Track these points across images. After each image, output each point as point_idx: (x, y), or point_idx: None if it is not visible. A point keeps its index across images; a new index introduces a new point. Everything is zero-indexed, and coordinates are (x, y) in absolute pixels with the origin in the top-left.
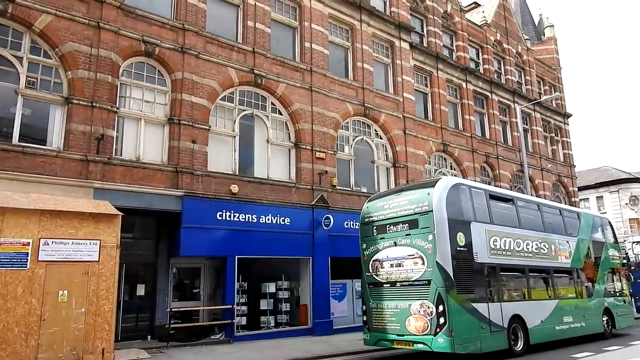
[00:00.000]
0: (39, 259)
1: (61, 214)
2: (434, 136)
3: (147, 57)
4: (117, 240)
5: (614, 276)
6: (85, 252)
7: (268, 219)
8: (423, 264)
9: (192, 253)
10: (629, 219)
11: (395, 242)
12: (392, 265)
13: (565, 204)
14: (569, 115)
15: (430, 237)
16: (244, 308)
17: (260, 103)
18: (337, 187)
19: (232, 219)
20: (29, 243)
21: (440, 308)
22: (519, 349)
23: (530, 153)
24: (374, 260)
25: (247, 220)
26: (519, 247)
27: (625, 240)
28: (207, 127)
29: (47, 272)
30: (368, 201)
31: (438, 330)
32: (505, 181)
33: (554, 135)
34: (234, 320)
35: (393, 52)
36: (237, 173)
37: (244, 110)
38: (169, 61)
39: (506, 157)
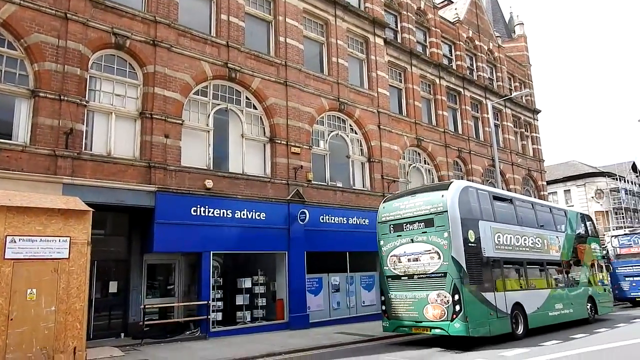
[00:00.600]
0: (5, 257)
1: (28, 211)
2: (408, 131)
3: (118, 50)
4: (87, 236)
5: (596, 267)
6: (55, 249)
7: (243, 214)
8: (439, 258)
9: (166, 249)
10: (595, 211)
11: (412, 239)
12: (409, 260)
13: (535, 197)
14: (538, 111)
15: (446, 234)
16: (220, 304)
17: (234, 97)
18: (313, 182)
19: (206, 214)
20: None
21: (456, 297)
22: (520, 333)
23: (501, 148)
24: (391, 256)
25: (222, 215)
26: (518, 242)
27: (604, 234)
28: (181, 122)
29: (15, 270)
30: (384, 202)
31: (454, 316)
32: (477, 175)
33: (524, 130)
34: (209, 316)
35: (368, 48)
36: (211, 168)
37: (218, 104)
38: (140, 54)
39: (478, 152)
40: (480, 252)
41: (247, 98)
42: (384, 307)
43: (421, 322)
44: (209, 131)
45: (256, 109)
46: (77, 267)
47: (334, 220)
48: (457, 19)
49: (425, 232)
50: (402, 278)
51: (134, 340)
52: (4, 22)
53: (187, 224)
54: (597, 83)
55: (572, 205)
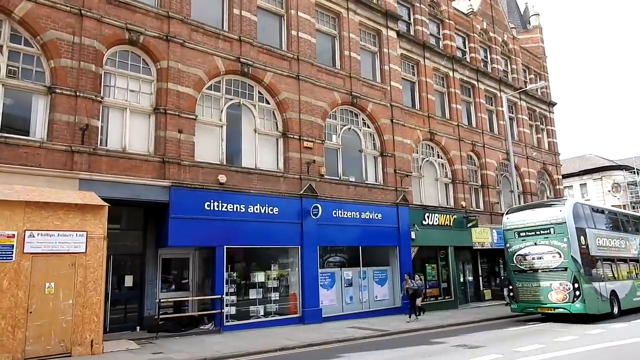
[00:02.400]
0: (25, 251)
1: (46, 206)
2: (421, 125)
3: (132, 46)
4: (104, 231)
5: None
6: (72, 243)
7: (256, 209)
8: (560, 257)
9: (180, 243)
10: (612, 205)
11: (535, 242)
12: (533, 258)
13: (550, 191)
14: (554, 104)
15: (565, 239)
16: (233, 298)
17: (247, 92)
18: (325, 177)
19: (220, 209)
20: (14, 235)
21: (576, 285)
22: (616, 313)
23: (515, 141)
24: (517, 255)
25: (235, 210)
26: (610, 244)
27: None
28: (194, 117)
29: (33, 264)
30: (507, 213)
31: (575, 299)
32: (491, 169)
33: (539, 123)
34: (223, 310)
35: (380, 41)
36: (224, 163)
37: (231, 99)
38: (153, 50)
39: (492, 145)
40: (588, 252)
41: (259, 93)
42: (511, 294)
43: (546, 304)
44: (222, 126)
45: (269, 103)
46: (94, 261)
47: (346, 214)
48: (471, 10)
49: (547, 237)
50: (528, 272)
51: (149, 333)
52: (21, 19)
53: (201, 219)
54: (614, 74)
55: (589, 199)
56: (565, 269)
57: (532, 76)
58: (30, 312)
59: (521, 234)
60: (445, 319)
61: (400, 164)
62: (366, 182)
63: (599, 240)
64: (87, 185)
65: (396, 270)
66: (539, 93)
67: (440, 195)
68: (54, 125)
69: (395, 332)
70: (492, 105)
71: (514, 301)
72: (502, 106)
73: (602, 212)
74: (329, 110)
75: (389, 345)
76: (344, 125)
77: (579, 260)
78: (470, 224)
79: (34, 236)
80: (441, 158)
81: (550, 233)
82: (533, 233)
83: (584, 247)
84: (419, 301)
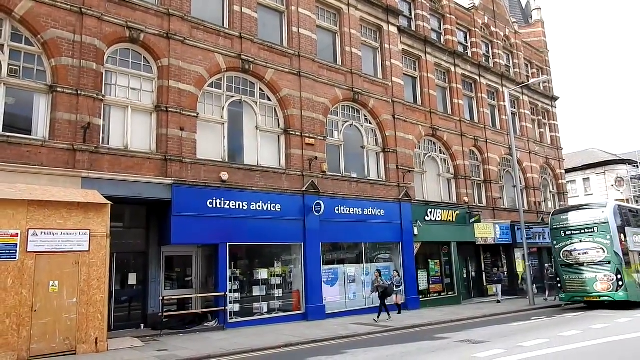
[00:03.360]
0: (28, 250)
1: (49, 204)
2: (423, 120)
3: (132, 44)
4: (107, 229)
5: None
6: (75, 242)
7: (259, 206)
8: (604, 252)
9: (183, 241)
10: (615, 199)
11: (580, 240)
12: (579, 254)
13: (552, 186)
14: (556, 98)
15: (608, 237)
16: (237, 295)
17: (248, 89)
18: (328, 173)
19: (222, 206)
20: (17, 234)
21: (619, 276)
22: None
23: (518, 136)
24: (564, 251)
25: (237, 207)
26: None
27: None
28: (195, 115)
29: (37, 263)
30: (553, 214)
31: (618, 288)
32: (494, 165)
33: (541, 118)
34: (226, 307)
35: (381, 36)
36: (226, 160)
37: (232, 96)
38: (154, 47)
39: (495, 140)
40: (627, 248)
41: (261, 89)
42: (559, 285)
43: (592, 293)
44: (223, 123)
45: (270, 100)
46: (97, 259)
47: (349, 211)
48: (472, 5)
49: (591, 235)
50: (574, 265)
51: (153, 331)
52: (21, 18)
53: (204, 216)
54: (617, 67)
55: (592, 194)
56: (609, 262)
57: (534, 71)
58: (35, 311)
59: (567, 233)
60: (449, 314)
61: (403, 160)
62: (368, 178)
63: (635, 237)
64: (90, 184)
65: (400, 266)
66: (541, 87)
67: (443, 190)
68: (56, 124)
69: (399, 327)
70: (494, 100)
71: (562, 291)
72: (504, 101)
73: (636, 212)
74: (331, 106)
75: (393, 341)
76: (346, 122)
77: (620, 255)
78: (473, 220)
79: (37, 235)
80: (443, 154)
81: (594, 231)
82: (578, 232)
83: (624, 243)
84: (399, 299)
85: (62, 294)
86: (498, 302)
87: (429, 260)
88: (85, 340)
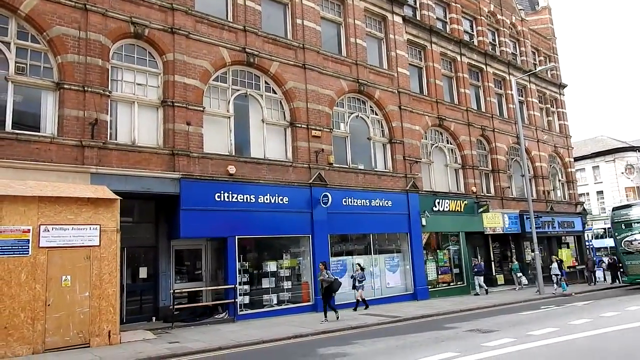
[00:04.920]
0: (40, 245)
1: (60, 200)
2: (429, 111)
3: (137, 39)
4: (117, 224)
5: None
6: (86, 237)
7: (266, 199)
8: None
9: (192, 235)
10: (625, 187)
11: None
12: (639, 243)
13: (561, 174)
14: (564, 86)
15: None
16: (246, 287)
17: (253, 82)
18: (334, 165)
19: (230, 199)
20: (29, 230)
21: None
22: None
23: (526, 125)
24: (625, 241)
25: (245, 200)
26: None
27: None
28: (202, 109)
29: (49, 258)
30: (614, 210)
31: None
32: (502, 154)
33: (549, 106)
34: (236, 300)
35: (386, 27)
36: (233, 154)
37: (238, 90)
38: (159, 42)
39: (502, 129)
40: None
41: (266, 83)
42: (622, 269)
43: None
44: (229, 117)
45: (276, 93)
46: (108, 253)
47: (356, 202)
48: None
49: None
50: (635, 253)
51: (164, 323)
52: (27, 15)
53: (212, 210)
54: (625, 53)
55: (601, 182)
56: None
57: (542, 58)
58: (49, 305)
59: (627, 225)
60: (458, 304)
61: (409, 151)
62: (375, 169)
63: None
64: (99, 179)
65: (408, 257)
66: (549, 75)
67: (451, 181)
68: (64, 120)
69: (408, 318)
70: (501, 89)
71: (624, 275)
72: (511, 89)
73: None
74: (336, 98)
75: (402, 331)
76: (352, 113)
77: None
78: (482, 209)
79: (48, 230)
80: (450, 144)
81: None
82: (638, 224)
83: None
84: (361, 294)
85: (75, 288)
86: (476, 294)
87: (438, 251)
88: (99, 333)
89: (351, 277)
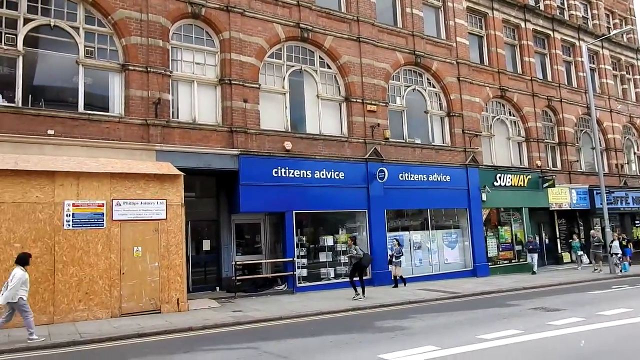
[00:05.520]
0: (113, 219)
1: (129, 176)
2: (490, 82)
3: (195, 19)
4: (181, 199)
5: None
6: (154, 210)
7: (322, 174)
8: None
9: (251, 209)
10: None
11: None
12: None
13: (637, 146)
14: None
15: None
16: (304, 261)
17: (308, 58)
18: (390, 140)
19: (287, 175)
20: (103, 204)
21: None
22: None
23: (597, 94)
24: None
25: (302, 176)
26: None
27: None
28: (257, 86)
29: (122, 230)
30: None
31: None
32: (570, 125)
33: (624, 73)
34: (295, 272)
35: None
36: (289, 130)
37: (293, 66)
38: (215, 21)
39: (570, 99)
40: None
41: (320, 57)
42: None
43: None
44: (285, 93)
45: (330, 68)
46: (174, 226)
47: (413, 177)
48: None
49: None
50: None
51: (227, 293)
52: (93, 0)
53: (270, 185)
54: None
55: None
56: None
57: (617, 21)
58: (123, 273)
59: None
60: (520, 282)
61: (469, 124)
62: (433, 143)
63: None
64: (163, 156)
65: (467, 233)
66: (625, 39)
67: (513, 154)
68: (130, 100)
69: (468, 294)
70: (569, 56)
71: None
72: (581, 56)
73: None
74: (392, 71)
75: (461, 307)
76: (408, 86)
77: None
78: (547, 184)
79: (120, 205)
80: (513, 116)
81: None
82: None
83: None
84: (399, 271)
85: (145, 258)
86: (533, 272)
87: (499, 227)
88: (168, 301)
89: (389, 254)
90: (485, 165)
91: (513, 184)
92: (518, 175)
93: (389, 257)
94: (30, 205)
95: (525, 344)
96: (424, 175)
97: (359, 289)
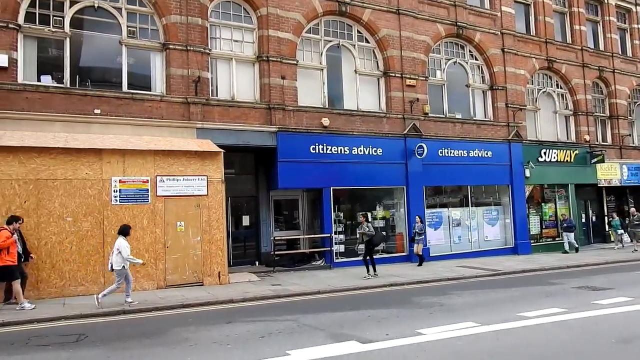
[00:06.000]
0: (157, 194)
1: (171, 154)
2: (537, 52)
3: None
4: (221, 175)
5: None
6: (195, 187)
7: (360, 150)
8: None
9: (289, 186)
10: None
11: None
12: None
13: None
14: None
15: None
16: (341, 237)
17: (346, 32)
18: (430, 115)
19: (325, 151)
20: (147, 180)
21: None
22: None
23: None
24: None
25: (339, 152)
26: None
27: None
28: (295, 62)
29: (165, 206)
30: None
31: None
32: (623, 97)
33: None
34: (332, 248)
35: None
36: (327, 106)
37: (330, 41)
38: None
39: (624, 70)
40: None
41: (358, 32)
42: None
43: None
44: (322, 69)
45: (368, 42)
46: (215, 202)
47: (453, 153)
48: None
49: None
50: None
51: (266, 267)
52: None
53: (307, 162)
54: None
55: None
56: None
57: None
58: (167, 247)
59: None
60: (564, 260)
61: (513, 97)
62: (474, 118)
63: None
64: (203, 134)
65: (508, 210)
66: None
67: (559, 129)
68: (171, 79)
69: (508, 272)
70: (625, 23)
71: None
72: (638, 23)
73: None
74: (432, 44)
75: (502, 285)
76: (449, 59)
77: None
78: (595, 160)
79: (163, 181)
80: (561, 88)
81: None
82: None
83: None
84: (420, 248)
85: (188, 233)
86: (565, 252)
87: (542, 204)
88: (210, 274)
89: (360, 233)
90: (529, 140)
91: (559, 160)
92: (564, 151)
93: (412, 234)
94: (80, 181)
95: (568, 323)
96: (464, 151)
97: (371, 270)
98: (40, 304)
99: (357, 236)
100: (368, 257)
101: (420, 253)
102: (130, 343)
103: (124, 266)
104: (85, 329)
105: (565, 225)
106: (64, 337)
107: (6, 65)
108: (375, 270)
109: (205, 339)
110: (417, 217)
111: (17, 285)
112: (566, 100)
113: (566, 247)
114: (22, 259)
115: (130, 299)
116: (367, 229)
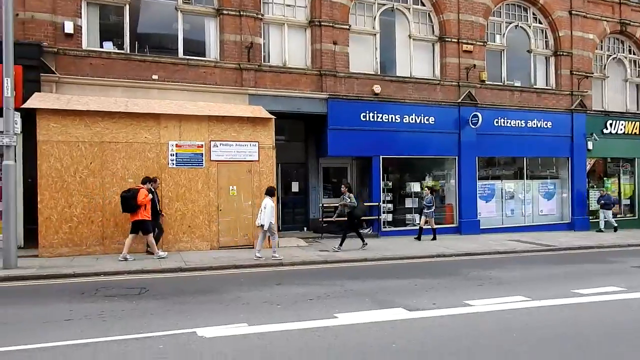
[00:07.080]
0: (211, 159)
1: (225, 119)
2: (609, 15)
3: None
4: (272, 141)
5: None
6: (247, 152)
7: (412, 119)
8: None
9: (338, 153)
10: None
11: None
12: None
13: None
14: None
15: None
16: (390, 206)
17: None
18: (487, 82)
19: (375, 119)
20: (202, 145)
21: None
22: None
23: None
24: None
25: (390, 120)
26: None
27: None
28: (347, 27)
29: (219, 170)
30: None
31: None
32: None
33: None
34: (380, 217)
35: None
36: (378, 73)
37: (384, 4)
38: None
39: None
40: None
41: None
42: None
43: None
44: (375, 34)
45: (424, 5)
46: (266, 168)
47: (510, 123)
48: None
49: None
50: None
51: (314, 234)
52: None
53: (357, 129)
54: None
55: None
56: None
57: None
58: (220, 210)
59: None
60: (625, 238)
61: (579, 64)
62: (535, 86)
63: None
64: (255, 100)
65: (567, 184)
66: None
67: (630, 99)
68: (224, 45)
69: (563, 247)
70: None
71: None
72: None
73: None
74: (493, 6)
75: (556, 260)
76: (510, 23)
77: None
78: None
79: (217, 146)
80: (634, 54)
81: None
82: None
83: None
84: (431, 222)
85: (240, 197)
86: (600, 230)
87: (604, 179)
88: None
89: (341, 205)
90: (594, 111)
91: (627, 132)
92: (633, 122)
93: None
94: (140, 145)
95: (626, 302)
96: (522, 121)
97: (362, 242)
98: (103, 258)
99: (338, 207)
100: (352, 228)
101: (428, 227)
102: (186, 298)
103: (271, 222)
104: (145, 283)
105: (602, 202)
106: (127, 289)
107: (72, 31)
108: (363, 241)
109: (256, 298)
110: (426, 187)
111: (150, 237)
112: (639, 67)
113: (601, 225)
114: (159, 215)
115: (278, 254)
116: (349, 200)
